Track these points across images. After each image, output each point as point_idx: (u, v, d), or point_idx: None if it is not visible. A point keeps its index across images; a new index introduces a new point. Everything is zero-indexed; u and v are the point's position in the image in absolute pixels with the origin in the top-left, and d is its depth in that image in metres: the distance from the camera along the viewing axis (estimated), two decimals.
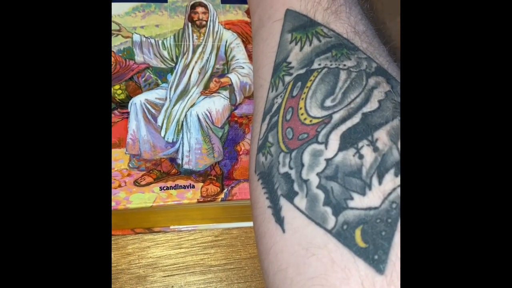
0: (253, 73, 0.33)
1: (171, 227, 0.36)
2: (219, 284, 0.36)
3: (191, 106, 0.36)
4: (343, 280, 0.21)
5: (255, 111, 0.30)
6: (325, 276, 0.21)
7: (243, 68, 0.38)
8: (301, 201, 0.23)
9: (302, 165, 0.24)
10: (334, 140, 0.24)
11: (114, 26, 0.37)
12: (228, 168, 0.35)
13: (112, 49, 0.36)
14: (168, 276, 0.36)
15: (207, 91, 0.36)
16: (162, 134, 0.35)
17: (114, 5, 0.37)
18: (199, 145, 0.35)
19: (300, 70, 0.27)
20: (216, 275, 0.36)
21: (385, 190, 0.22)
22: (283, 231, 0.23)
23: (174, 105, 0.35)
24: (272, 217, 0.24)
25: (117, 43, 0.36)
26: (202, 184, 0.34)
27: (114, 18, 0.37)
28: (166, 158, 0.34)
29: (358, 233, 0.21)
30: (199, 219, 0.37)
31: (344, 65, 0.26)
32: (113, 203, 0.32)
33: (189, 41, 0.37)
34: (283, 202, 0.24)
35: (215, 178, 0.34)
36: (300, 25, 0.28)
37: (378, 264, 0.20)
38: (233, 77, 0.37)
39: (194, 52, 0.37)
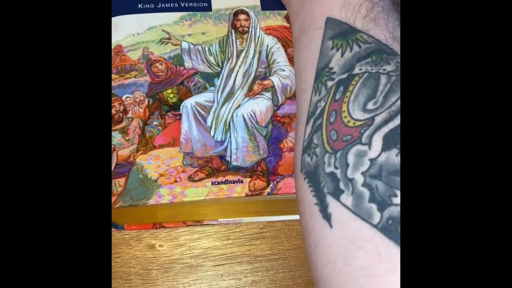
0: (295, 78, 0.34)
1: (219, 220, 0.39)
2: (265, 273, 0.38)
3: (237, 108, 0.38)
4: (390, 271, 0.22)
5: (298, 114, 0.31)
6: (372, 266, 0.22)
7: (284, 70, 0.39)
8: (347, 198, 0.24)
9: (347, 165, 0.25)
10: (377, 141, 0.25)
11: (163, 35, 0.39)
12: (273, 164, 0.37)
13: (163, 56, 0.39)
14: (217, 265, 0.38)
15: (251, 93, 0.38)
16: (212, 134, 0.37)
17: (163, 15, 0.40)
18: (245, 143, 0.37)
19: (342, 75, 0.28)
20: (262, 264, 0.38)
21: None
22: (331, 226, 0.25)
23: (222, 106, 0.38)
24: (319, 213, 0.26)
25: (167, 50, 0.39)
26: (249, 179, 0.36)
27: (163, 27, 0.39)
28: (216, 156, 0.36)
29: None
30: (244, 213, 0.39)
31: (384, 69, 0.27)
32: (170, 197, 0.35)
33: (233, 47, 0.40)
34: (330, 199, 0.25)
35: (261, 174, 0.36)
36: (341, 32, 0.29)
37: None
38: (275, 79, 0.39)
39: (238, 57, 0.39)
